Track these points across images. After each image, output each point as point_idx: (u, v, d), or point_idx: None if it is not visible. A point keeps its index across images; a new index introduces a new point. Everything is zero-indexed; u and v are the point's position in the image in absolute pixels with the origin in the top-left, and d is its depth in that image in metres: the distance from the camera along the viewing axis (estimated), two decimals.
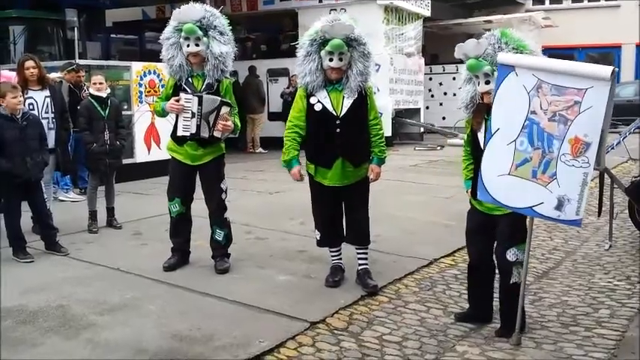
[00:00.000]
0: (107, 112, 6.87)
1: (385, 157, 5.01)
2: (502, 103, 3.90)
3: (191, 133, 5.21)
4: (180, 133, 5.27)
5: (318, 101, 4.80)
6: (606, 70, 3.55)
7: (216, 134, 5.26)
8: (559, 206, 3.71)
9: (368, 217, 5.07)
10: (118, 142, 7.02)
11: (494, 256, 4.24)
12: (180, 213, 5.46)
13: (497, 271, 4.29)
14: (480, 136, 4.14)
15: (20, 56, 7.12)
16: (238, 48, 5.52)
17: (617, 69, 3.61)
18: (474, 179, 4.17)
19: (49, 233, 6.02)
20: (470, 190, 4.29)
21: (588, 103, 3.58)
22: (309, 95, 4.84)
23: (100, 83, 6.88)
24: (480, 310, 4.38)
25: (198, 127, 5.18)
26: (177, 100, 5.20)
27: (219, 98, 5.24)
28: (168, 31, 5.23)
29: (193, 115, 5.17)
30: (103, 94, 6.87)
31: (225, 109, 5.24)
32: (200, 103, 5.16)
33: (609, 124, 3.65)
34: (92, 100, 6.88)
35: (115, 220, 7.10)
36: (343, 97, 4.80)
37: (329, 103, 4.80)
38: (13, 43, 13.27)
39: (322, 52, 4.71)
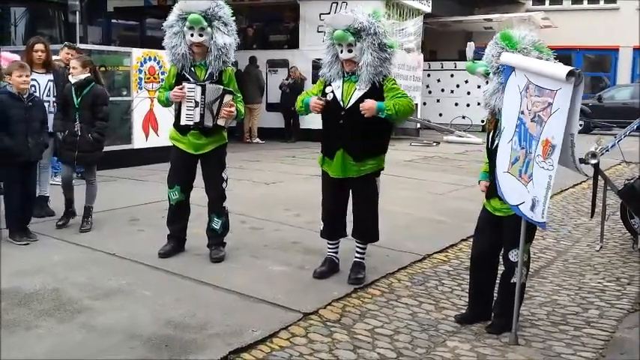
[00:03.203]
0: (79, 99, 6.08)
1: (390, 113, 4.64)
2: (506, 103, 3.92)
3: (195, 122, 5.23)
4: (183, 122, 5.28)
5: (332, 90, 4.86)
6: (562, 70, 3.42)
7: (220, 122, 5.28)
8: (532, 207, 3.69)
9: (373, 214, 5.02)
10: (89, 135, 6.12)
11: (499, 255, 4.28)
12: (180, 201, 5.49)
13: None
14: (489, 136, 4.25)
15: (31, 38, 7.01)
16: (239, 38, 5.52)
17: (578, 69, 3.46)
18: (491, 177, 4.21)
19: (27, 216, 5.92)
20: (482, 181, 4.39)
21: (557, 104, 3.51)
22: (326, 84, 4.92)
23: (74, 68, 6.08)
24: (479, 308, 4.36)
25: (202, 116, 5.21)
26: (181, 89, 5.22)
27: (222, 87, 5.26)
28: (171, 19, 5.22)
29: (197, 104, 5.19)
30: (73, 80, 6.07)
31: (227, 97, 5.26)
32: (203, 92, 5.18)
33: (576, 128, 3.52)
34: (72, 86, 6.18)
35: (85, 221, 6.26)
36: (355, 88, 4.80)
37: (340, 93, 4.82)
38: (14, 25, 13.22)
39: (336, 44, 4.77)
